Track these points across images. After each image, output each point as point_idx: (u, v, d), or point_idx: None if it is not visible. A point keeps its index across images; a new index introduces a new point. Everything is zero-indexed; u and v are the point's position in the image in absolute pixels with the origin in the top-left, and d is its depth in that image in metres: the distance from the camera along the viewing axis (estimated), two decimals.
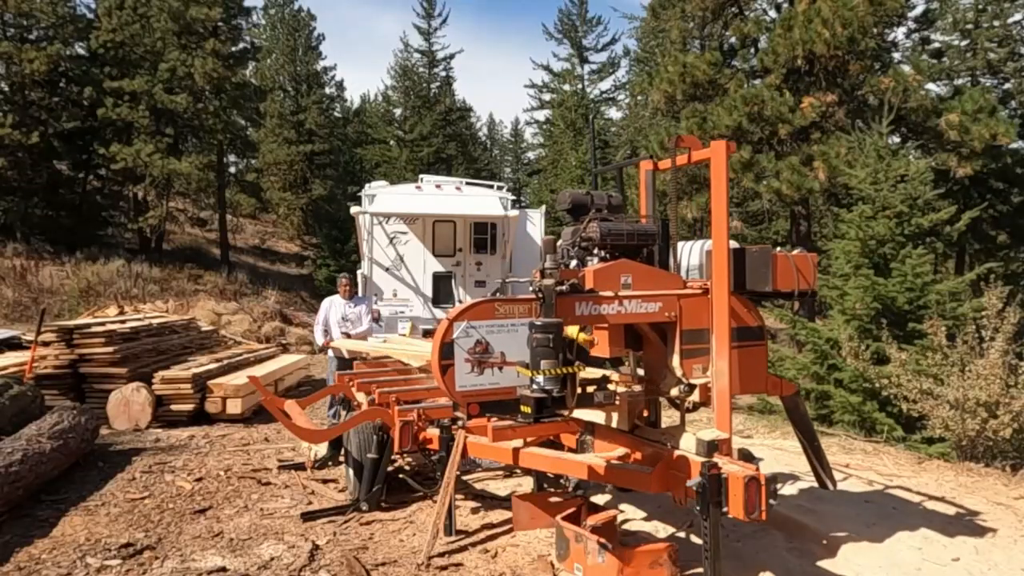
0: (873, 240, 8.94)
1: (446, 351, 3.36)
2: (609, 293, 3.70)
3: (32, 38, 21.52)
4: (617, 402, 4.14)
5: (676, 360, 3.90)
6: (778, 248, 4.06)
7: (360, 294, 10.52)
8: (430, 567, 4.32)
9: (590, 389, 4.03)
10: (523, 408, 3.32)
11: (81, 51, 23.27)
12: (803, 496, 5.58)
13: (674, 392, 4.04)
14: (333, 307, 7.90)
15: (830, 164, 13.35)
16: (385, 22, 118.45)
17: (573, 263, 4.02)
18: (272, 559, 4.48)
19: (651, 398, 4.37)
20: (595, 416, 4.47)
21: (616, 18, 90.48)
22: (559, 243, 4.16)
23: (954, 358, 6.94)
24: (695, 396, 3.96)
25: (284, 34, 34.72)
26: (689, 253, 4.42)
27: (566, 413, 3.52)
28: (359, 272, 10.92)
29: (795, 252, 4.12)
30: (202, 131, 24.20)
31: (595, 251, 4.05)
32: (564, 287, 3.53)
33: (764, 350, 4.13)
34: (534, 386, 3.25)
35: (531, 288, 3.55)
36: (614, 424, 4.38)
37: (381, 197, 11.32)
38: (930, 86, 17.12)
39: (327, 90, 35.82)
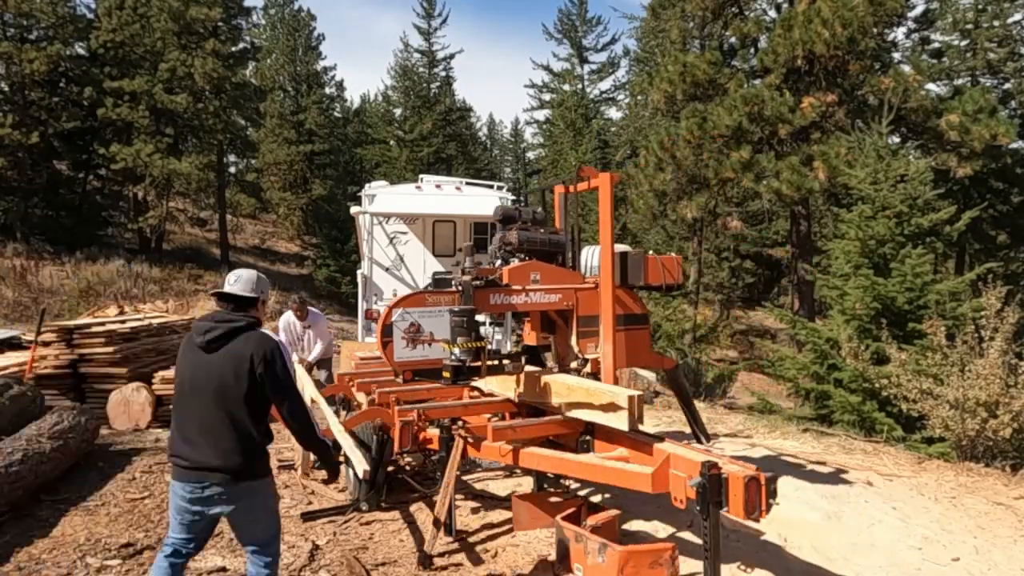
0: (873, 240, 8.94)
1: (386, 331, 4.27)
2: (519, 287, 4.54)
3: (32, 38, 21.49)
4: (521, 371, 4.66)
5: (574, 340, 4.80)
6: (650, 252, 4.80)
7: (360, 294, 10.52)
8: (430, 567, 4.32)
9: (506, 362, 4.63)
10: (444, 374, 4.11)
11: (81, 51, 23.24)
12: (803, 496, 5.58)
13: (573, 365, 4.88)
14: (290, 328, 7.90)
15: (830, 164, 13.35)
16: (385, 22, 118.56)
17: (499, 263, 4.89)
18: None
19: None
20: (595, 416, 4.49)
21: (616, 18, 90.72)
22: (490, 248, 5.22)
23: (954, 358, 6.94)
24: (588, 368, 4.79)
25: (284, 34, 34.72)
26: (591, 256, 5.27)
27: (477, 378, 4.31)
28: (359, 272, 10.91)
29: (666, 255, 5.09)
30: (202, 131, 24.18)
31: (516, 254, 4.91)
32: (480, 282, 4.33)
33: (647, 332, 5.09)
34: (452, 357, 4.05)
35: (453, 283, 4.40)
36: (615, 424, 4.38)
37: (381, 197, 11.32)
38: (930, 86, 17.15)
39: (327, 90, 35.82)
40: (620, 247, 5.10)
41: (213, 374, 3.10)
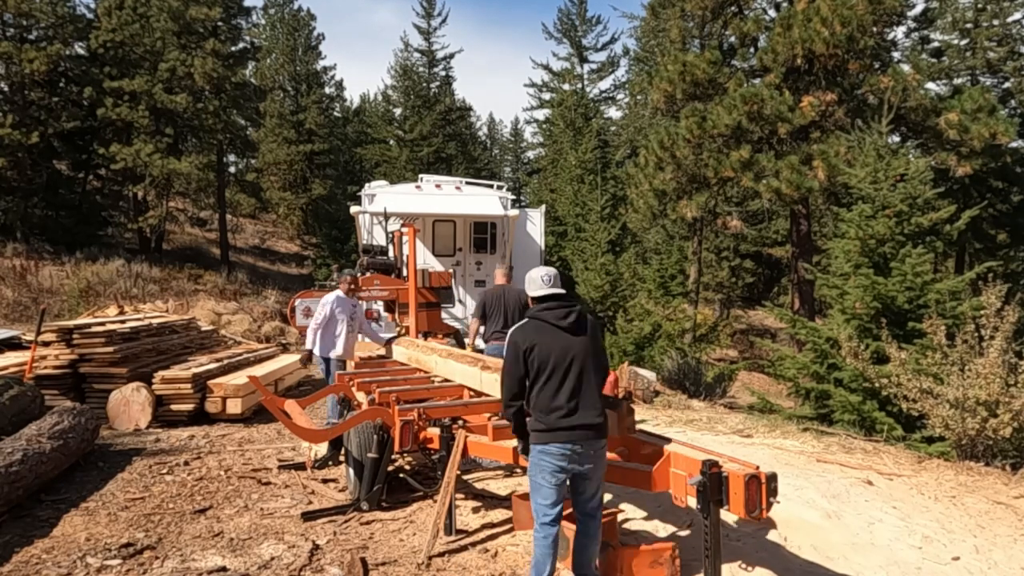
0: (873, 239, 8.93)
1: (293, 310, 9.67)
2: (366, 287, 7.93)
3: (32, 38, 21.44)
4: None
5: (396, 316, 8.17)
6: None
7: None
8: (430, 567, 4.32)
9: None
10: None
11: (81, 51, 23.20)
12: (803, 495, 5.58)
13: (398, 330, 8.12)
14: (341, 305, 7.52)
15: (829, 163, 13.34)
16: (382, 14, 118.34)
17: (360, 274, 8.01)
18: (272, 559, 4.48)
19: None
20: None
21: (616, 17, 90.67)
22: (357, 266, 8.43)
23: (954, 357, 6.93)
24: (403, 331, 7.96)
25: (284, 34, 34.65)
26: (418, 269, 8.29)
27: None
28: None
29: (440, 270, 9.16)
30: (202, 131, 24.14)
31: (370, 270, 8.22)
32: (339, 286, 7.68)
33: (439, 312, 8.19)
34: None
35: (330, 284, 8.58)
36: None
37: (381, 197, 11.32)
38: (929, 85, 17.15)
39: (327, 90, 35.76)
40: (423, 267, 8.65)
41: None
